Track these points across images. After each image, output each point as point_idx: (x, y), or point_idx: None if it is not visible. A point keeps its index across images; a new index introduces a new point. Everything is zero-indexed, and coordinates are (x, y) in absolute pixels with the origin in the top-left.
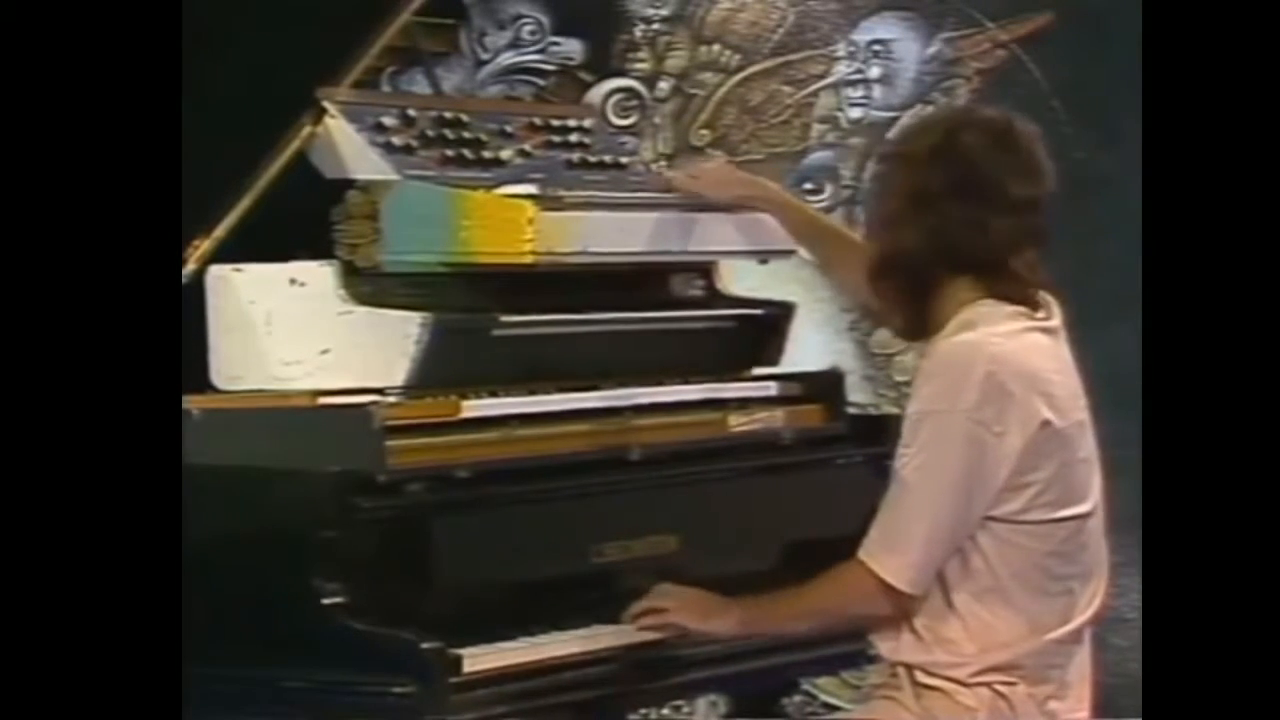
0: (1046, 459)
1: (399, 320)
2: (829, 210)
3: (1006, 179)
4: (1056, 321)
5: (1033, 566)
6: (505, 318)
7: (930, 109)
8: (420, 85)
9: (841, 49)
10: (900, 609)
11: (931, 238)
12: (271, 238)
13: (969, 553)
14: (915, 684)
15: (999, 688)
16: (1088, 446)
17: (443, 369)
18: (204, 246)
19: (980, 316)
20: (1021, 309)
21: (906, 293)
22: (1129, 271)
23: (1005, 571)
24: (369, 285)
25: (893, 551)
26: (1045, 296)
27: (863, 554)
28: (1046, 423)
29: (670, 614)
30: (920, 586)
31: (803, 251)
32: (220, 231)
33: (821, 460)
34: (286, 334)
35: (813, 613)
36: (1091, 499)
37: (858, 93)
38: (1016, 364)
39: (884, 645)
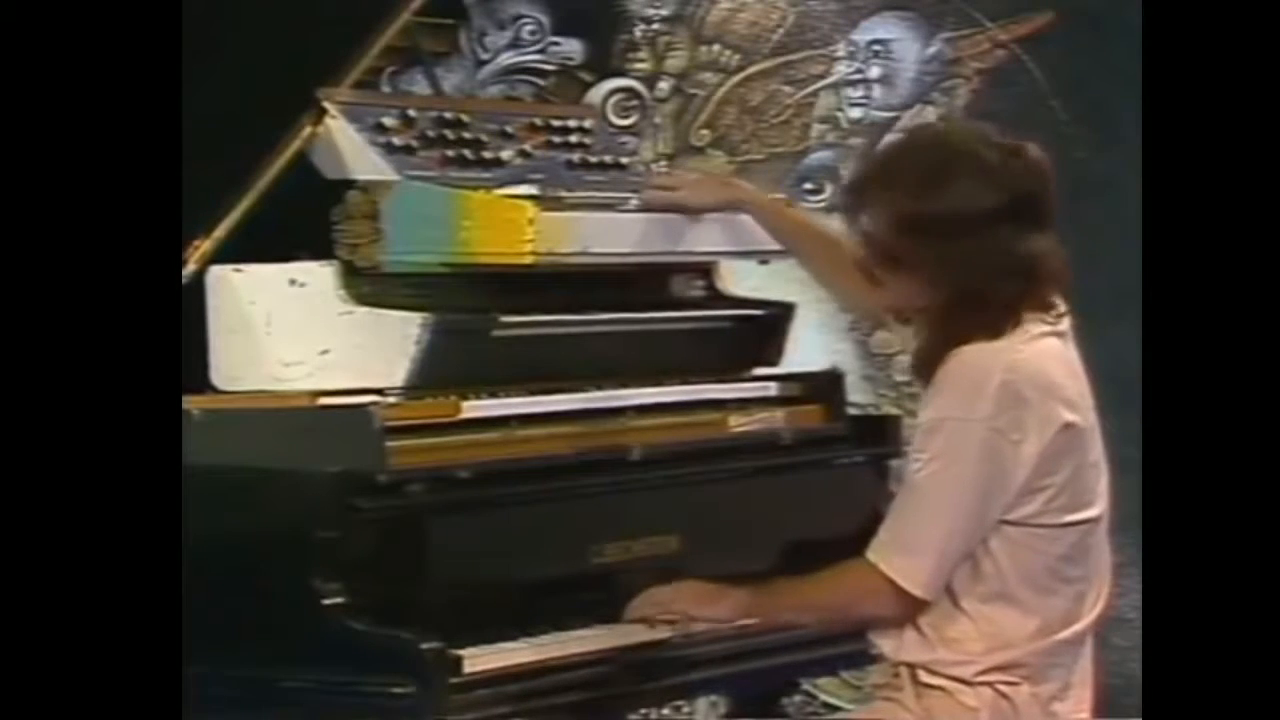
0: (1063, 462)
1: (399, 320)
2: (828, 210)
3: (1030, 199)
4: (1066, 325)
5: (1042, 570)
6: (505, 318)
7: (917, 126)
8: (420, 85)
9: (841, 49)
10: (907, 612)
11: (1013, 304)
12: (271, 238)
13: (979, 556)
14: (917, 683)
15: (1001, 688)
16: (1097, 450)
17: (443, 369)
18: (204, 246)
19: None
20: (1038, 314)
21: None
22: (1129, 271)
23: (1014, 574)
24: (369, 285)
25: (906, 554)
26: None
27: (872, 554)
28: (1067, 425)
29: (671, 602)
30: (932, 591)
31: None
32: (220, 231)
33: (821, 460)
34: (286, 334)
35: (816, 607)
36: (1100, 503)
37: (858, 93)
38: (1032, 370)
39: (887, 644)
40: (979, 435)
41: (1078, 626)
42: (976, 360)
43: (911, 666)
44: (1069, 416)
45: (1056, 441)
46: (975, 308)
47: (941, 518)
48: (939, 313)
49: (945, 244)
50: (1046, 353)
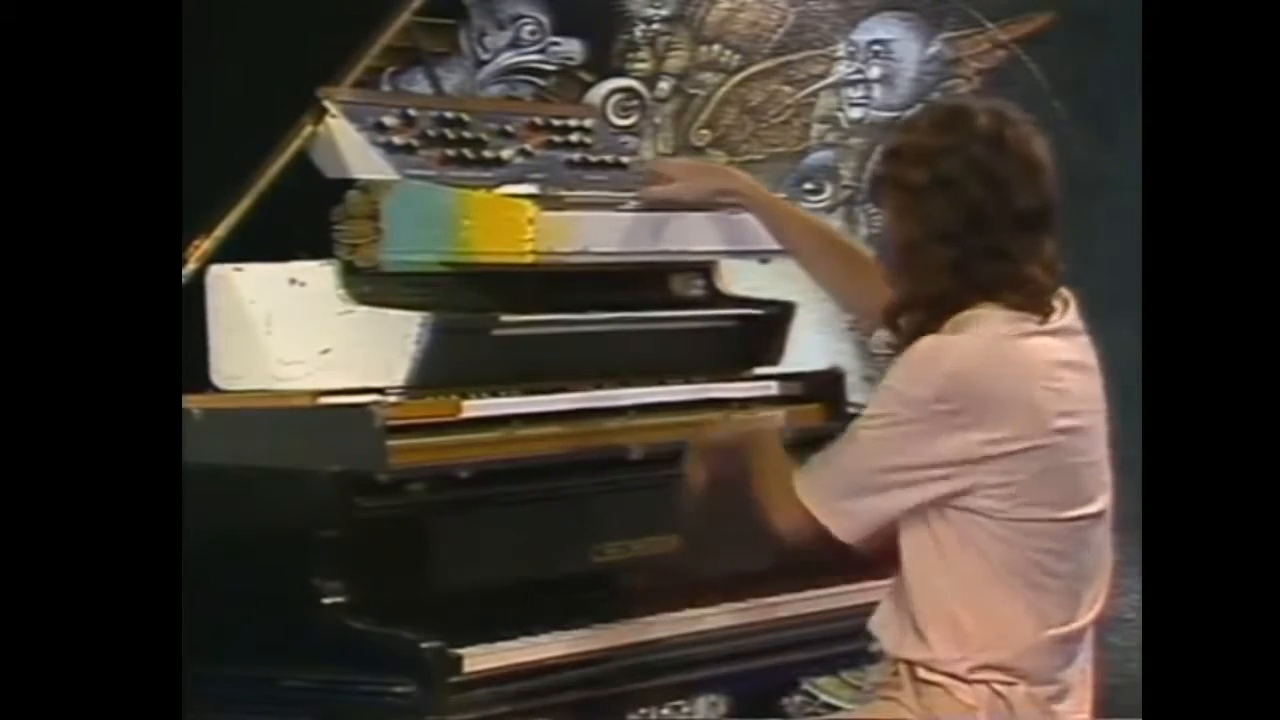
0: (1032, 458)
1: (399, 320)
2: (829, 210)
3: (1013, 196)
4: (1067, 320)
5: (1026, 563)
6: (505, 318)
7: (921, 109)
8: (420, 85)
9: (841, 49)
10: (804, 530)
11: (955, 273)
12: (271, 238)
13: (959, 547)
14: (916, 680)
15: (998, 687)
16: (1092, 450)
17: (443, 369)
18: (204, 246)
19: (975, 319)
20: (1022, 313)
21: (929, 323)
22: (1129, 271)
23: (998, 566)
24: (369, 285)
25: (812, 476)
26: (1062, 294)
27: (799, 470)
28: (1036, 422)
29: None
30: (826, 519)
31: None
32: (220, 231)
33: None
34: (287, 334)
35: (758, 474)
36: (1099, 501)
37: (858, 93)
38: (991, 369)
39: (886, 638)
40: (914, 413)
41: (1074, 624)
42: (936, 346)
43: (910, 664)
44: (1021, 425)
45: (1016, 436)
46: (909, 261)
47: (854, 461)
48: (885, 269)
49: (903, 174)
50: (1031, 350)
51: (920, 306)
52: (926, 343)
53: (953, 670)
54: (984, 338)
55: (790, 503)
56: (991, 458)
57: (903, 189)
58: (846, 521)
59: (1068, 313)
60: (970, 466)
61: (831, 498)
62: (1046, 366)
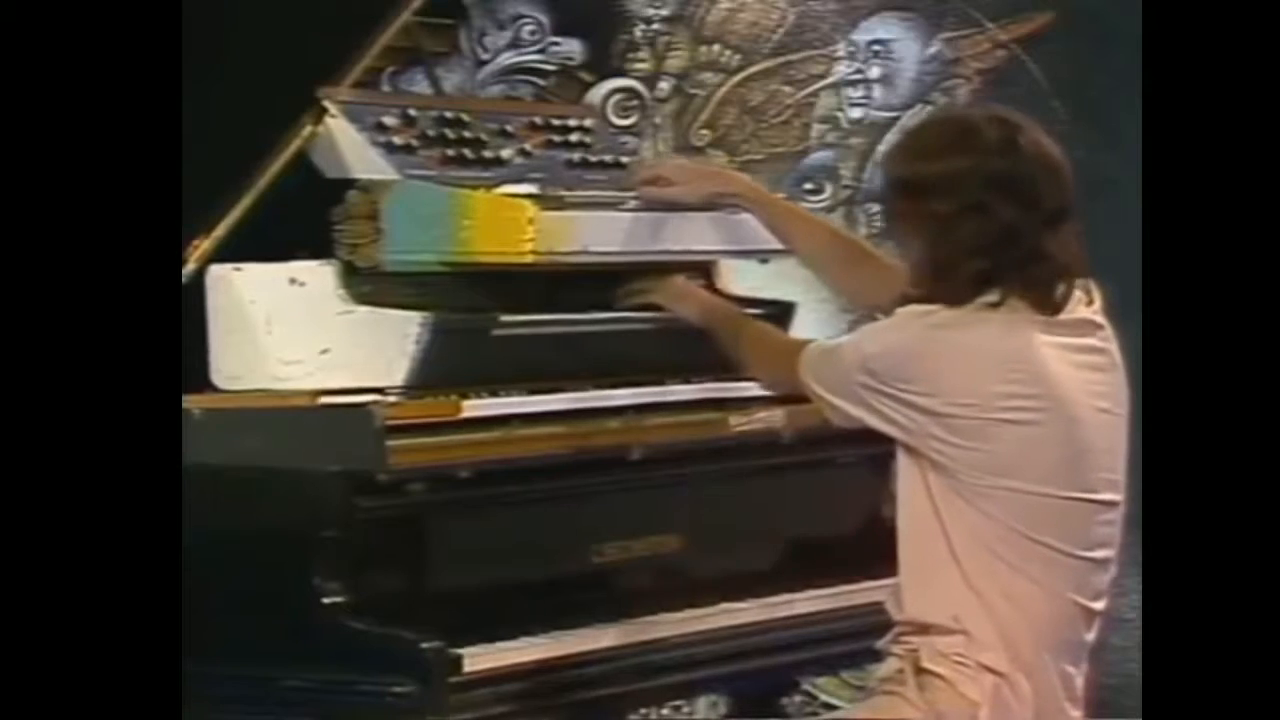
0: (1000, 433)
1: (399, 320)
2: (829, 210)
3: (1040, 200)
4: (1077, 314)
5: (1005, 532)
6: (505, 318)
7: (920, 128)
8: (420, 85)
9: (841, 49)
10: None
11: (990, 282)
12: (271, 238)
13: (940, 508)
14: (919, 674)
15: (1001, 673)
16: (1092, 438)
17: (443, 369)
18: (204, 246)
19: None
20: (1029, 311)
21: None
22: (1130, 272)
23: (965, 533)
24: (369, 285)
25: (815, 360)
26: (1088, 288)
27: (808, 350)
28: (931, 410)
29: (653, 289)
30: (821, 405)
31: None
32: (220, 231)
33: (821, 460)
34: (287, 334)
35: (748, 363)
36: (1102, 492)
37: (858, 93)
38: (965, 342)
39: (889, 601)
40: (870, 361)
41: (1070, 597)
42: (907, 316)
43: (914, 651)
44: (938, 401)
45: (958, 404)
46: (939, 275)
47: (840, 362)
48: (912, 276)
49: (926, 206)
50: (1019, 336)
51: (935, 273)
52: (906, 310)
53: (954, 648)
54: (940, 319)
55: (784, 369)
56: (936, 414)
57: (929, 219)
58: (832, 413)
59: (1087, 306)
60: (921, 416)
61: (822, 388)
62: (1009, 353)
